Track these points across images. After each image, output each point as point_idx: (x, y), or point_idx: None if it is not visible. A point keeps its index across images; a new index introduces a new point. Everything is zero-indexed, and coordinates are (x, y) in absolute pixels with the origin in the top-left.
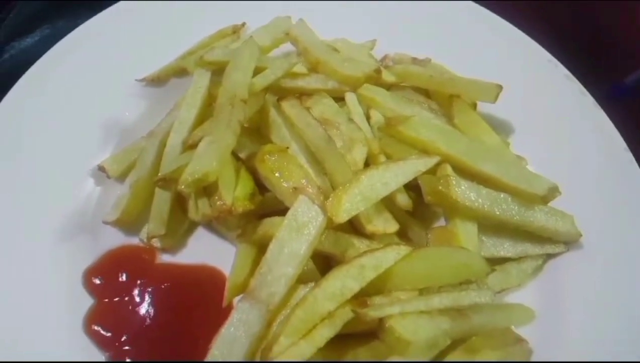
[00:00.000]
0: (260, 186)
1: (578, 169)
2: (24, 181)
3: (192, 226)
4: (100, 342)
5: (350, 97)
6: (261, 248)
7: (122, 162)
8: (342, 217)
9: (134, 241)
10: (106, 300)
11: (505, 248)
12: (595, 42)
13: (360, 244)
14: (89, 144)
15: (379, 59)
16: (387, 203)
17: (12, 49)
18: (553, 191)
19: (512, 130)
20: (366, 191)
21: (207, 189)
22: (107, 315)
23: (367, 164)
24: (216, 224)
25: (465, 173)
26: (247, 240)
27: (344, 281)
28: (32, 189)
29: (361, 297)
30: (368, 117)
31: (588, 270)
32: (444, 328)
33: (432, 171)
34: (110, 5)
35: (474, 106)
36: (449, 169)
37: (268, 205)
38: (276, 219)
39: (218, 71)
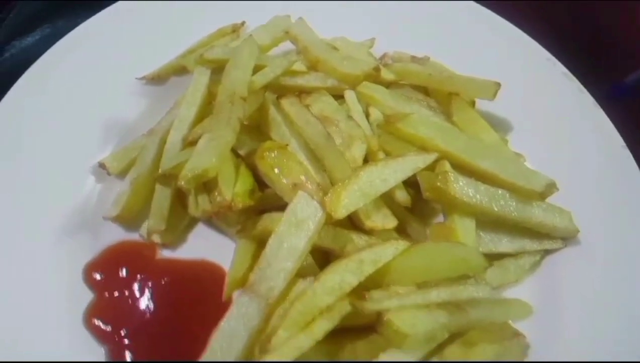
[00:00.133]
0: (260, 183)
1: (576, 166)
2: (25, 178)
3: (192, 222)
4: (100, 335)
5: (349, 95)
6: (261, 243)
7: (123, 159)
8: (341, 213)
9: (134, 237)
10: (106, 294)
11: (503, 244)
12: (595, 42)
13: (359, 239)
14: (90, 142)
15: (378, 57)
16: (386, 200)
17: (13, 48)
18: (550, 187)
19: (510, 127)
20: (365, 188)
21: (207, 186)
22: (107, 310)
23: (366, 161)
24: (216, 220)
25: (463, 169)
26: (247, 236)
27: (342, 276)
28: (33, 187)
29: (360, 291)
30: (367, 115)
31: (585, 266)
32: (442, 322)
33: (431, 167)
34: (110, 4)
35: (473, 103)
36: (447, 165)
37: (267, 201)
38: (275, 215)
39: (218, 69)
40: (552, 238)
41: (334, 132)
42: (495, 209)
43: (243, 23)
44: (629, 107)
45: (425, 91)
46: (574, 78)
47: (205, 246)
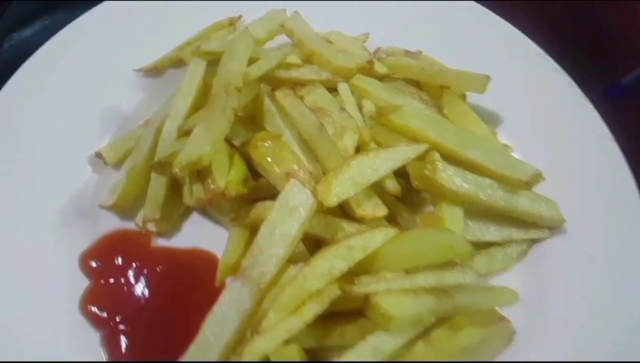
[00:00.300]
0: (254, 173)
1: (563, 157)
2: (24, 168)
3: (187, 211)
4: (96, 321)
5: (343, 88)
6: (253, 231)
7: (119, 149)
8: (332, 201)
9: (130, 225)
10: (102, 281)
11: (490, 232)
12: (594, 41)
13: (350, 228)
14: (87, 132)
15: (372, 51)
16: (377, 189)
17: (12, 40)
18: (537, 177)
19: (500, 120)
20: (356, 176)
21: (202, 175)
22: (103, 296)
23: (358, 151)
24: (210, 209)
25: (452, 159)
26: (240, 224)
27: (332, 261)
28: (32, 176)
29: (349, 277)
30: (360, 107)
31: (572, 255)
32: (428, 306)
33: (421, 158)
34: None
35: (464, 97)
36: (436, 156)
37: (261, 191)
38: (268, 203)
39: (214, 61)
40: (538, 227)
41: (327, 123)
42: (483, 197)
43: (240, 17)
44: (627, 107)
45: (417, 84)
46: (563, 72)
47: (200, 234)
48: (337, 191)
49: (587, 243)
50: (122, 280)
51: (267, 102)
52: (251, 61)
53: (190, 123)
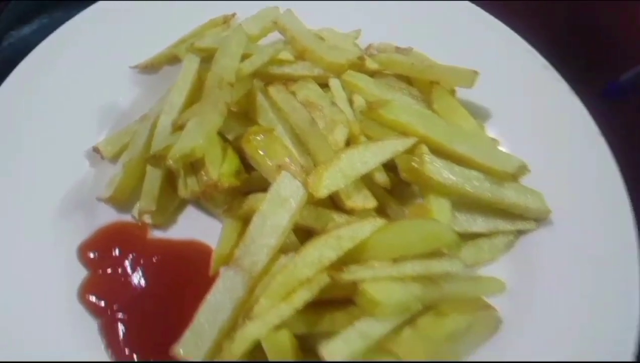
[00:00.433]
0: (247, 167)
1: (550, 150)
2: (23, 162)
3: (182, 204)
4: (94, 309)
5: (334, 83)
6: (246, 222)
7: (116, 144)
8: (322, 192)
9: (127, 218)
10: (100, 271)
11: (478, 223)
12: (594, 41)
13: (340, 219)
14: (85, 127)
15: (364, 48)
16: (367, 182)
17: (11, 38)
18: (522, 169)
19: (489, 115)
20: (346, 169)
21: (195, 168)
22: (101, 286)
23: (348, 145)
24: (204, 201)
25: (441, 153)
26: (233, 215)
27: (322, 251)
28: (31, 170)
29: (338, 266)
30: (351, 102)
31: (557, 247)
32: (415, 294)
33: (410, 151)
34: None
35: (453, 92)
36: (424, 149)
37: (253, 184)
38: (260, 195)
39: (208, 58)
40: (525, 219)
41: (318, 118)
42: (469, 189)
43: (234, 14)
44: (623, 106)
45: (408, 80)
46: (552, 68)
47: (194, 226)
48: (327, 183)
49: (573, 235)
50: (119, 270)
51: (260, 97)
52: (244, 57)
53: (184, 117)
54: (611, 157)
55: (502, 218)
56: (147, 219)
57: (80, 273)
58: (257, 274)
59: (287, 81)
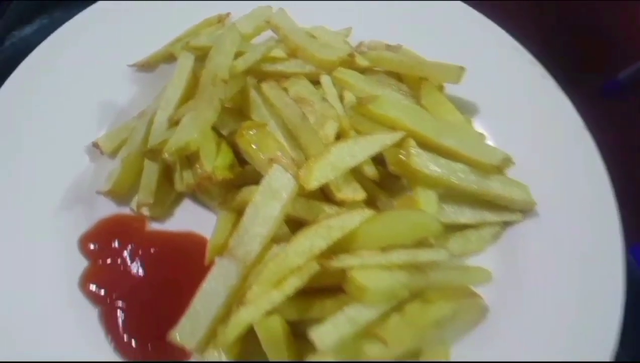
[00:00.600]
0: (241, 161)
1: (536, 144)
2: (26, 158)
3: (179, 197)
4: (94, 298)
5: (325, 80)
6: (240, 213)
7: (115, 139)
8: (312, 184)
9: (126, 210)
10: (100, 262)
11: (465, 215)
12: (590, 40)
13: (330, 211)
14: (85, 124)
15: (354, 45)
16: (356, 175)
17: (13, 38)
18: (506, 161)
19: (476, 110)
20: (336, 162)
21: (191, 162)
22: (101, 275)
23: (338, 139)
24: (199, 194)
25: (428, 146)
26: (227, 207)
27: (312, 240)
28: (34, 165)
29: (328, 256)
30: (341, 98)
31: (543, 238)
32: (402, 281)
33: (398, 145)
34: None
35: (441, 88)
36: (412, 142)
37: (247, 177)
38: (254, 188)
39: (203, 56)
40: (511, 210)
41: (309, 113)
42: (455, 181)
43: (228, 14)
44: (621, 104)
45: (398, 77)
46: (538, 64)
47: (190, 219)
48: (317, 175)
49: (558, 226)
50: (119, 261)
51: (253, 93)
52: (238, 55)
53: (180, 113)
54: (596, 150)
55: (488, 209)
56: (145, 211)
57: (81, 264)
58: (250, 263)
59: (280, 77)
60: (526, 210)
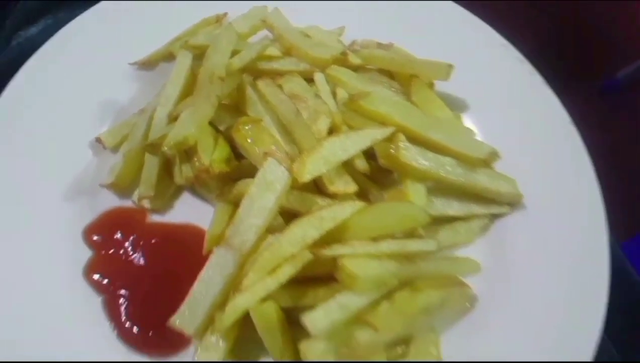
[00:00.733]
0: (237, 155)
1: (524, 139)
2: (32, 152)
3: (178, 190)
4: (98, 287)
5: (318, 77)
6: (236, 205)
7: (117, 135)
8: (305, 177)
9: (127, 203)
10: (103, 252)
11: (453, 207)
12: (589, 39)
13: (323, 203)
14: (88, 120)
15: (347, 44)
16: (348, 169)
17: (19, 38)
18: (493, 155)
19: (466, 106)
20: (328, 156)
21: (190, 156)
22: (104, 265)
23: (331, 134)
24: (198, 187)
25: (417, 141)
26: (225, 200)
27: (305, 230)
28: (40, 159)
29: (321, 246)
30: (334, 95)
31: (530, 229)
32: (392, 270)
33: (388, 140)
34: None
35: (431, 85)
36: (401, 137)
37: (243, 171)
38: (249, 180)
39: (201, 54)
40: (499, 203)
41: (303, 109)
42: (443, 174)
43: (225, 14)
44: (620, 102)
45: (389, 74)
46: (526, 62)
47: (189, 211)
48: (310, 168)
49: (545, 219)
50: (121, 251)
51: (249, 90)
52: (235, 54)
53: (178, 109)
54: (582, 145)
55: (477, 202)
56: (146, 204)
57: (85, 254)
58: (246, 252)
59: (275, 75)
60: (514, 203)
